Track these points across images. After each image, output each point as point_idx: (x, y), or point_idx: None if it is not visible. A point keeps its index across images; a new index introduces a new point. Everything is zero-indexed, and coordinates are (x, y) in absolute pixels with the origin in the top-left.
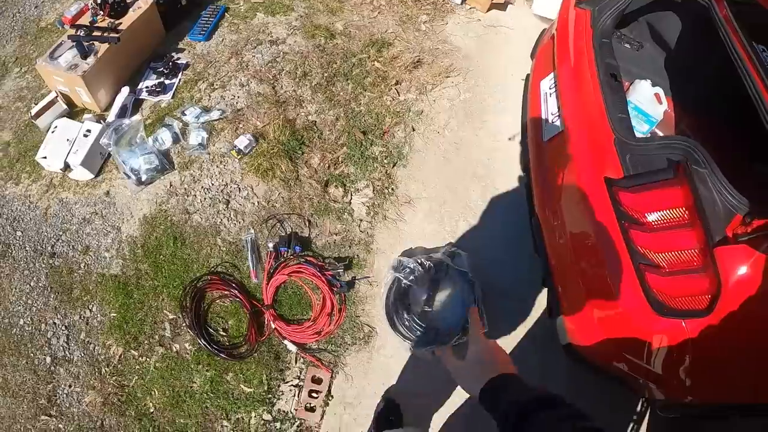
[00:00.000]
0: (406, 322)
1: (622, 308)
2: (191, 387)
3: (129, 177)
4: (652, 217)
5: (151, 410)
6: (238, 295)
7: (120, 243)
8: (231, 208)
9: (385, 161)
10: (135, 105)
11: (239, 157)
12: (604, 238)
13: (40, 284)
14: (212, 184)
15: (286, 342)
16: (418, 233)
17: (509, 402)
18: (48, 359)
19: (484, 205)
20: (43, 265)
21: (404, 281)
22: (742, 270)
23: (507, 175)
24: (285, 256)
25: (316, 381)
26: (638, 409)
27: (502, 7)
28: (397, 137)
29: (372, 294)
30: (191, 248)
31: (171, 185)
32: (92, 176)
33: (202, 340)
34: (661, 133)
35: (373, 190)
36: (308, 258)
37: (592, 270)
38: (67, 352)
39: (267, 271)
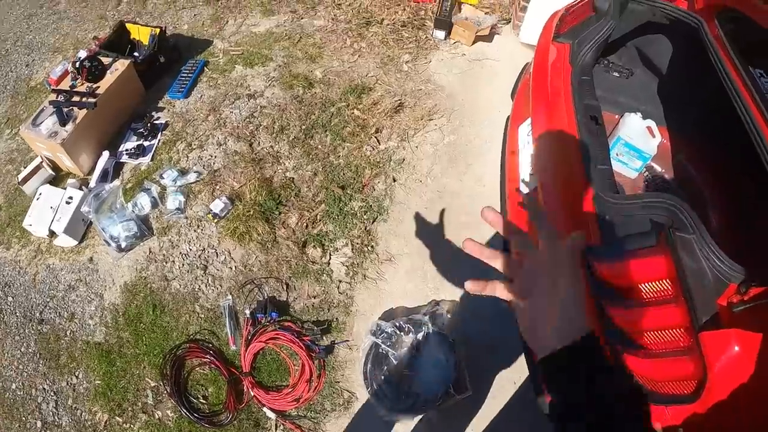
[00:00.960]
0: (385, 388)
1: None
2: None
3: (109, 244)
4: (631, 292)
5: None
6: (217, 362)
7: (103, 311)
8: (209, 273)
9: (365, 217)
10: (116, 168)
11: (216, 221)
12: None
13: (30, 350)
14: (190, 250)
15: (265, 409)
16: (399, 292)
17: (614, 395)
18: (39, 423)
19: (469, 260)
20: (32, 332)
21: (382, 346)
22: (732, 352)
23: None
24: (262, 322)
25: None
26: None
27: (488, 38)
28: (377, 190)
29: (351, 358)
30: (170, 315)
31: (150, 252)
32: (76, 243)
33: (183, 408)
34: (658, 168)
35: (353, 249)
36: (286, 323)
37: None
38: (56, 417)
39: (245, 338)
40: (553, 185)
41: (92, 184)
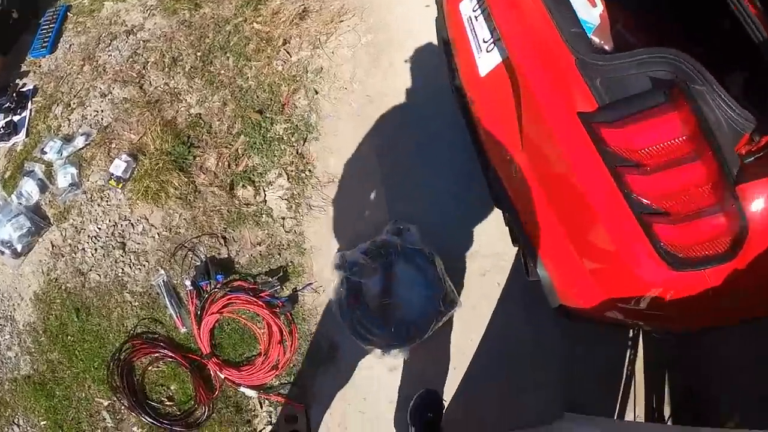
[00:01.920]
0: (369, 325)
1: (629, 268)
2: None
3: (2, 252)
4: (648, 155)
5: None
6: (170, 353)
7: (20, 335)
8: (129, 251)
9: (293, 139)
10: None
11: (120, 185)
12: (593, 189)
13: None
14: (99, 229)
15: (242, 389)
16: (352, 215)
17: None
18: None
19: (420, 159)
20: None
21: (352, 278)
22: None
23: (440, 116)
24: (208, 290)
25: (291, 419)
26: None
27: None
28: (299, 106)
29: (321, 302)
30: (99, 315)
31: (53, 246)
32: None
33: (148, 419)
34: (597, 39)
35: (288, 179)
36: (235, 284)
37: (581, 227)
38: None
39: (194, 314)
40: (527, 56)
41: None
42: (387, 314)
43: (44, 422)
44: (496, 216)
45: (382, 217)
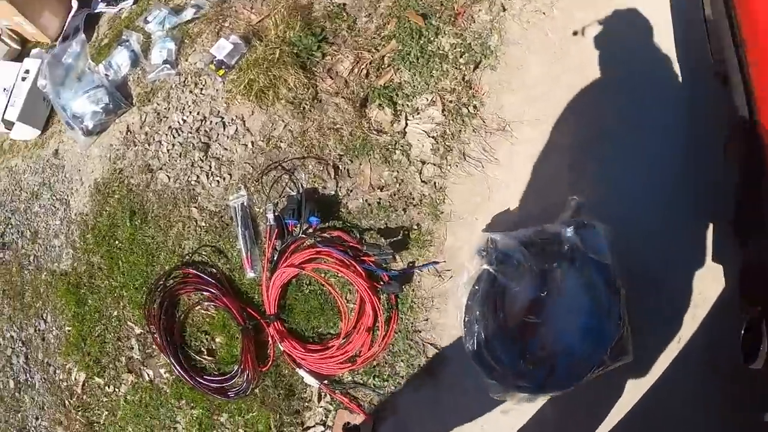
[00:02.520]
0: (498, 347)
1: None
2: (174, 430)
3: (72, 127)
4: None
5: None
6: (225, 299)
7: (69, 224)
8: (212, 156)
9: (461, 60)
10: (90, 23)
11: (221, 73)
12: None
13: None
14: (184, 121)
15: (301, 372)
16: (520, 184)
17: None
18: (11, 383)
19: (626, 132)
20: None
21: (498, 276)
22: None
23: (661, 80)
24: (295, 232)
25: (351, 429)
26: None
27: None
28: (478, 21)
29: (442, 293)
30: (156, 226)
31: (128, 130)
32: (38, 132)
33: (179, 368)
34: None
35: (443, 110)
36: (334, 234)
37: None
38: (28, 376)
39: (268, 258)
40: None
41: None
42: (526, 340)
43: (69, 328)
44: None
45: (558, 199)
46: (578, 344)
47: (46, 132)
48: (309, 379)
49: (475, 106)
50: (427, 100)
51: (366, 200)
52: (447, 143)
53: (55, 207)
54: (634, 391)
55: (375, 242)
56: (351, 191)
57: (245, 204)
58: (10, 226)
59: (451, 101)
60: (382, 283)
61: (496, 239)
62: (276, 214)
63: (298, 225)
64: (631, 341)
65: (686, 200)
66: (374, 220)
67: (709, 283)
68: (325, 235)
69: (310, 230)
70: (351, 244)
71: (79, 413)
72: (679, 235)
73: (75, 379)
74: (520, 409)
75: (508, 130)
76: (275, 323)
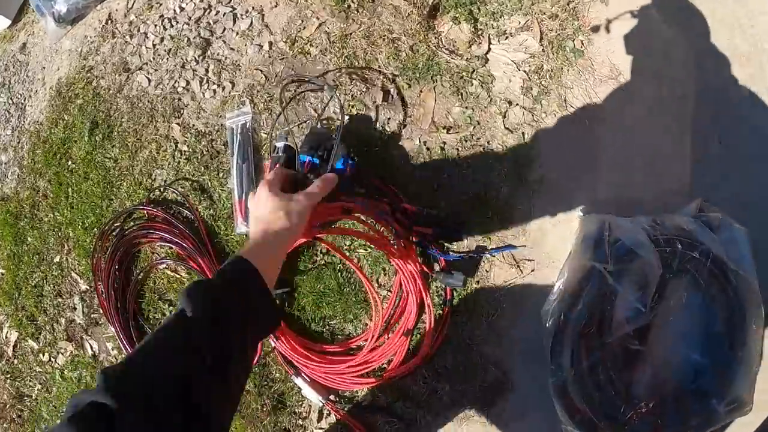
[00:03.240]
0: (596, 384)
1: None
2: None
3: (42, 13)
4: None
5: None
6: (201, 261)
7: (21, 136)
8: (211, 56)
9: None
10: None
11: None
12: None
13: None
14: (181, 9)
15: (299, 381)
16: (630, 155)
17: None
18: None
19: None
20: None
21: (611, 280)
22: None
23: None
24: (310, 176)
25: None
26: None
27: None
28: None
29: (518, 292)
30: (121, 145)
31: (110, 19)
32: (8, 23)
33: (128, 348)
34: None
35: (540, 39)
36: (375, 183)
37: None
38: None
39: None
40: None
41: None
42: (631, 377)
43: (2, 271)
44: None
45: (678, 186)
46: (692, 389)
47: (17, 23)
48: (309, 393)
49: (582, 42)
50: (520, 22)
51: (424, 143)
52: (543, 83)
53: (9, 113)
54: None
55: (432, 210)
56: (404, 127)
57: (248, 125)
58: None
59: (551, 29)
60: (437, 269)
61: (613, 225)
62: (289, 144)
63: (318, 165)
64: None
65: None
66: (433, 172)
67: None
68: (359, 185)
69: (343, 174)
70: (401, 204)
71: (8, 381)
72: None
73: (6, 336)
74: None
75: (620, 81)
76: None
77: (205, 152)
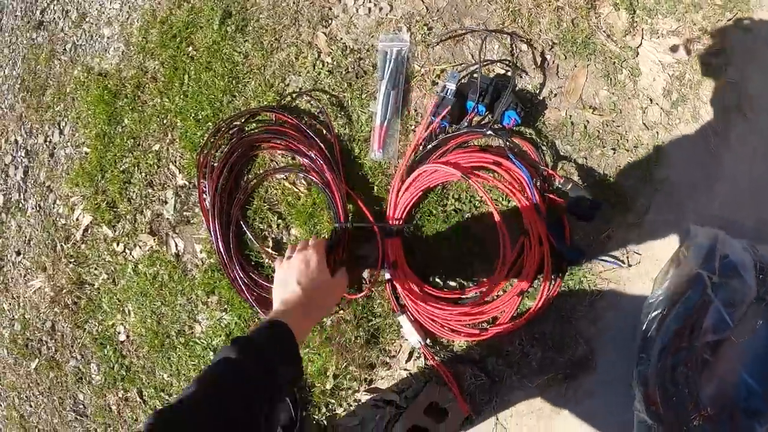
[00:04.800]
0: (675, 385)
1: None
2: (190, 330)
3: None
4: None
5: (122, 338)
6: (328, 176)
7: (131, 12)
8: None
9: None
10: None
11: None
12: None
13: (14, 73)
14: None
15: (402, 319)
16: (742, 181)
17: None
18: (0, 198)
19: None
20: (25, 42)
21: (710, 287)
22: None
23: None
24: (472, 121)
25: (435, 412)
26: None
27: None
28: None
29: (621, 280)
30: (256, 42)
31: None
32: None
33: (223, 252)
34: None
35: (686, 44)
36: (523, 146)
37: None
38: (22, 196)
39: (416, 145)
40: None
41: None
42: (702, 385)
43: (88, 150)
44: None
45: None
46: (744, 408)
47: None
48: (409, 333)
49: (725, 63)
50: (672, 26)
51: (570, 116)
52: (683, 90)
53: None
54: None
55: (575, 181)
56: (554, 96)
57: (404, 53)
58: (55, 1)
59: (698, 40)
60: (558, 241)
61: (726, 242)
62: (458, 85)
63: (482, 114)
64: None
65: None
66: (573, 147)
67: None
68: (517, 138)
69: (502, 129)
70: (547, 171)
71: (71, 265)
72: None
73: (77, 219)
74: None
75: (747, 110)
76: (396, 238)
77: (350, 69)
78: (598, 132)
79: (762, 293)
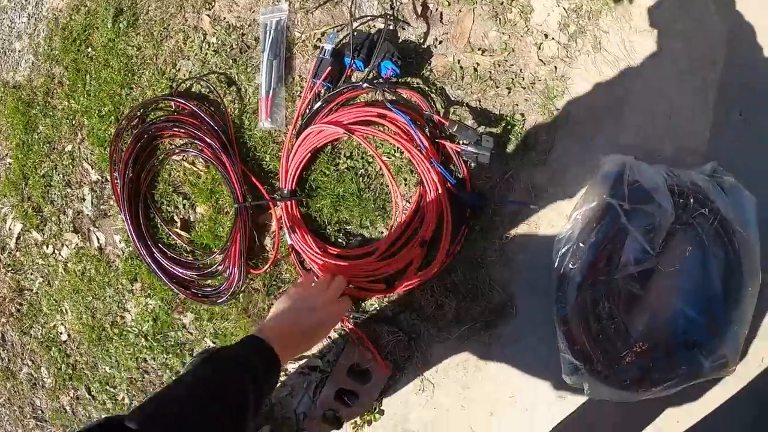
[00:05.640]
0: (598, 318)
1: None
2: (121, 319)
3: None
4: None
5: (64, 338)
6: (223, 158)
7: (37, 23)
8: None
9: None
10: None
11: None
12: None
13: None
14: None
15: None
16: (656, 109)
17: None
18: None
19: None
20: None
21: (622, 215)
22: None
23: None
24: (351, 78)
25: (358, 374)
26: None
27: None
28: None
29: (532, 217)
30: (146, 33)
31: None
32: None
33: (135, 237)
34: None
35: None
36: (407, 94)
37: None
38: None
39: (301, 108)
40: None
41: None
42: (632, 318)
43: (10, 161)
44: None
45: (695, 146)
46: (683, 341)
47: None
48: None
49: None
50: None
51: (458, 61)
52: (581, 22)
53: (25, 0)
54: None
55: (463, 126)
56: (440, 43)
57: (282, 23)
58: None
59: None
60: (456, 188)
61: (635, 167)
62: (336, 47)
63: (359, 69)
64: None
65: None
66: (464, 91)
67: None
68: (393, 93)
69: (378, 80)
70: (431, 115)
71: (9, 274)
72: None
73: (9, 229)
74: (578, 398)
75: (656, 36)
76: (289, 202)
77: (234, 46)
78: (490, 73)
79: (686, 218)
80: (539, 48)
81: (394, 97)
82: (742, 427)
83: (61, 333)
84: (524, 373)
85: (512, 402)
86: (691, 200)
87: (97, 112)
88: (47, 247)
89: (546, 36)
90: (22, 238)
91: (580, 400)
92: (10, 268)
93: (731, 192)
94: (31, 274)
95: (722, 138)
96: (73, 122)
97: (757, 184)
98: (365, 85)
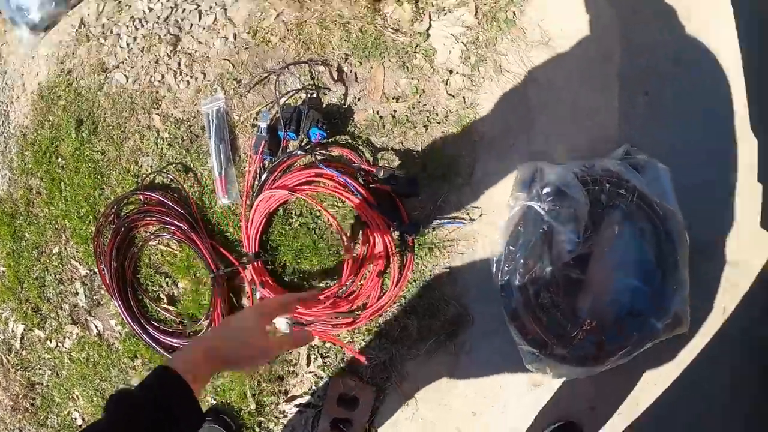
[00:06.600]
0: (542, 308)
1: None
2: None
3: (16, 23)
4: None
5: (79, 423)
6: (194, 236)
7: (7, 140)
8: (182, 50)
9: None
10: None
11: None
12: None
13: None
14: (150, 10)
15: (279, 324)
16: (562, 110)
17: None
18: None
19: (683, 71)
20: None
21: (546, 216)
22: None
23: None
24: (288, 148)
25: (347, 402)
26: None
27: None
28: None
29: (470, 234)
30: (107, 138)
31: (82, 23)
32: None
33: (131, 321)
34: None
35: (476, 13)
36: (338, 152)
37: None
38: None
39: (250, 183)
40: None
41: None
42: (575, 301)
43: (4, 269)
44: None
45: (606, 135)
46: (629, 310)
47: None
48: (278, 323)
49: (514, 13)
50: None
51: (377, 112)
52: (480, 51)
53: None
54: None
55: (389, 169)
56: (359, 99)
57: (222, 110)
58: None
59: (485, 4)
60: (394, 222)
61: (544, 170)
62: (268, 123)
63: (294, 139)
64: (689, 309)
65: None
66: (387, 137)
67: (756, 251)
68: (326, 152)
69: (309, 146)
70: (361, 165)
71: (19, 372)
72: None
73: (12, 331)
74: (552, 384)
75: (551, 46)
76: (255, 263)
77: (185, 137)
78: (407, 116)
79: (607, 201)
80: (446, 84)
81: (326, 158)
82: (731, 368)
83: (75, 418)
84: (494, 371)
85: (489, 399)
86: (607, 185)
87: (76, 214)
88: (50, 341)
89: (451, 72)
90: (25, 337)
91: (554, 385)
92: (18, 367)
93: (646, 167)
94: (39, 368)
95: (631, 121)
96: (56, 226)
97: (669, 154)
98: (299, 152)
